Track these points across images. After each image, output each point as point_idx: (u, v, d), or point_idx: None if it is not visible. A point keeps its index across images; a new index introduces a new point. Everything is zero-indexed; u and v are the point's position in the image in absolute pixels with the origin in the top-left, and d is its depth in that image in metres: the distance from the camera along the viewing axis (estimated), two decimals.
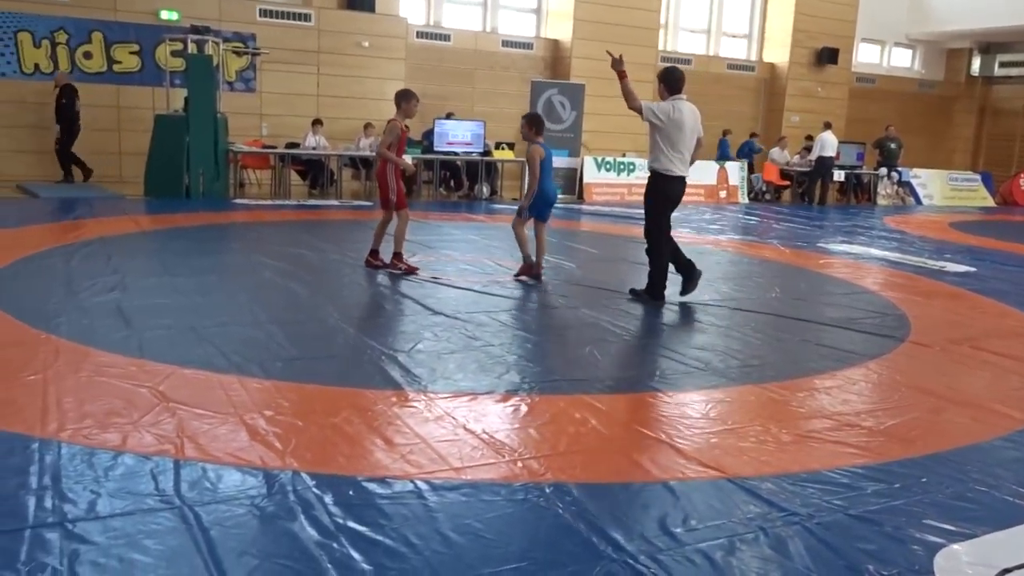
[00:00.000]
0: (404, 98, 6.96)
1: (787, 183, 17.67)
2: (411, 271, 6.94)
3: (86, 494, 2.76)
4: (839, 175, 17.50)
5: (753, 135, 18.47)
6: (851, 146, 17.95)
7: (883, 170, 18.11)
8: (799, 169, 17.46)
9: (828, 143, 16.51)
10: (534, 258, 7.04)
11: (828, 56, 19.33)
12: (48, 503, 2.68)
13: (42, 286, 5.78)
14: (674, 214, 6.63)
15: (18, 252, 6.90)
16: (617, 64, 6.31)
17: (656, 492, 3.03)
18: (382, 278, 6.76)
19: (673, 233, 6.63)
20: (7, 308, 5.08)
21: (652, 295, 6.38)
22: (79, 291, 5.67)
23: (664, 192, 6.35)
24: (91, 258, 6.87)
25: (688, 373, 4.56)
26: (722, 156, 17.46)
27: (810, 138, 18.10)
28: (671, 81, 6.32)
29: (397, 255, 7.01)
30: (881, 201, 18.04)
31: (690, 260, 6.58)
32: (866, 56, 21.64)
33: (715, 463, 3.30)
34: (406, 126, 7.03)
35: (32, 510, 2.63)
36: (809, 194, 17.01)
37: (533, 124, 6.92)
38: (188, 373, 4.04)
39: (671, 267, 6.50)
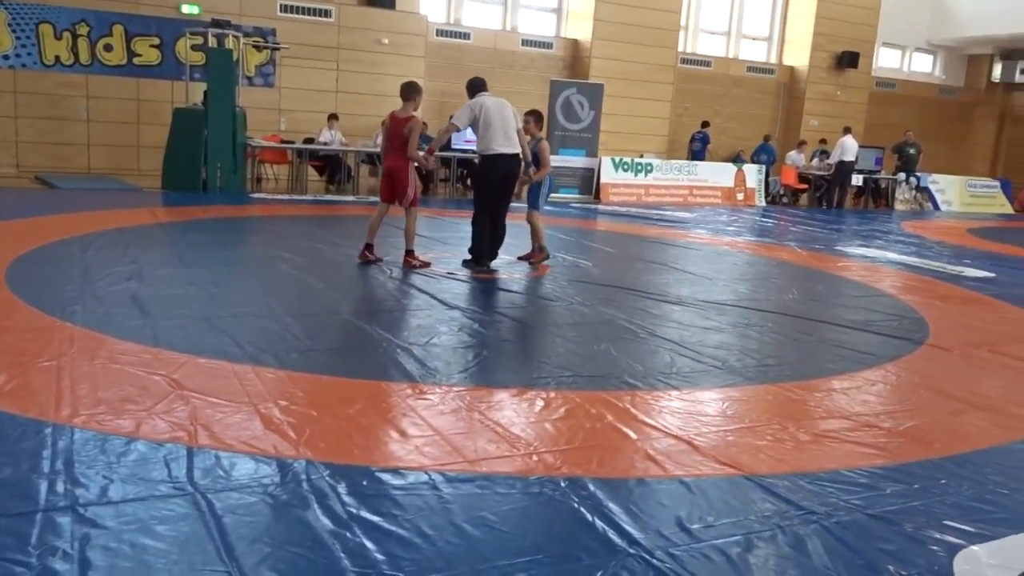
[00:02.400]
0: (417, 91, 6.97)
1: (805, 187, 17.55)
2: (425, 266, 6.93)
3: (98, 479, 2.75)
4: (857, 179, 17.37)
5: (767, 138, 18.36)
6: (870, 151, 17.81)
7: (901, 175, 17.97)
8: (817, 173, 17.35)
9: (849, 147, 16.39)
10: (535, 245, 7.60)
11: (848, 60, 19.18)
12: (60, 487, 2.68)
13: (59, 274, 5.80)
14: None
15: (36, 241, 6.93)
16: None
17: (672, 488, 3.00)
18: (397, 273, 6.75)
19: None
20: (24, 295, 5.10)
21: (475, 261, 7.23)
22: (95, 280, 5.69)
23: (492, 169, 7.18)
24: (108, 248, 6.89)
25: (705, 371, 4.52)
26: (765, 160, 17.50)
27: (824, 142, 17.99)
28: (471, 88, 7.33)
29: (410, 252, 6.99)
30: (899, 206, 17.90)
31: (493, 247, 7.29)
32: (887, 61, 21.47)
33: (732, 460, 3.26)
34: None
35: (44, 494, 2.63)
36: (828, 198, 16.90)
37: (540, 120, 7.58)
38: (203, 362, 4.04)
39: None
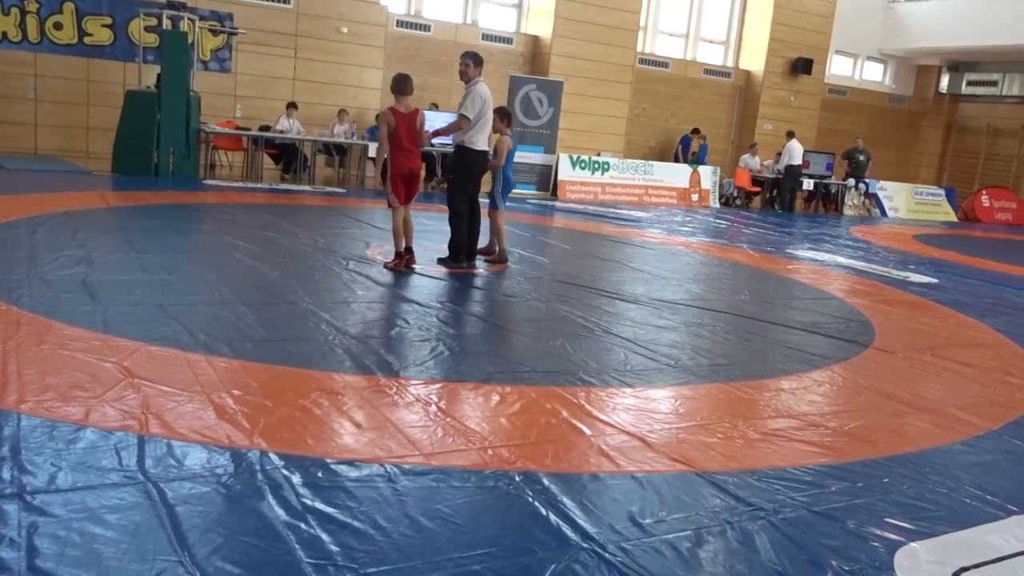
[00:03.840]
0: (412, 83, 6.67)
1: (758, 189, 17.85)
2: (408, 267, 6.74)
3: (47, 466, 2.70)
4: (808, 184, 17.72)
5: (695, 131, 18.44)
6: (821, 156, 18.19)
7: (851, 181, 18.36)
8: (769, 176, 17.65)
9: (795, 151, 16.74)
10: (496, 245, 7.56)
11: (803, 66, 19.53)
12: (6, 474, 2.62)
13: (4, 257, 5.65)
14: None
15: None
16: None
17: (625, 484, 3.04)
18: (354, 265, 6.71)
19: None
20: None
21: (454, 258, 7.15)
22: (43, 264, 5.56)
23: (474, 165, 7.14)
24: (56, 232, 6.74)
25: (659, 369, 4.58)
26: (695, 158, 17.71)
27: (754, 146, 18.21)
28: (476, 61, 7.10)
29: (399, 253, 6.76)
30: (848, 211, 18.29)
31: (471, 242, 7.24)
32: (839, 68, 21.90)
33: (683, 457, 3.32)
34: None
35: None
36: (782, 202, 17.19)
37: (505, 117, 7.45)
38: (154, 350, 3.98)
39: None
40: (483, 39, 16.56)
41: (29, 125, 12.66)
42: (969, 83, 22.68)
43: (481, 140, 7.03)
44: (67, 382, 3.44)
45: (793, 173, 16.85)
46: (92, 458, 2.80)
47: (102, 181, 10.56)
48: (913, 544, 2.78)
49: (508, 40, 16.93)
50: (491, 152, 7.25)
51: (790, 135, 17.00)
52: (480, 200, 7.30)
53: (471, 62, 7.00)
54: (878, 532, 2.84)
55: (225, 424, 3.19)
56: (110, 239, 6.80)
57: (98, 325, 4.28)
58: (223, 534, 2.40)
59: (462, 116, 6.91)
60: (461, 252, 7.14)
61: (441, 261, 7.13)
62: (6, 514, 2.39)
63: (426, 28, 16.00)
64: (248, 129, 13.18)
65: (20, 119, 12.56)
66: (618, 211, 13.74)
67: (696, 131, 18.11)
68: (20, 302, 4.57)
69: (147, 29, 12.51)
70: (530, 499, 2.82)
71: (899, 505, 3.07)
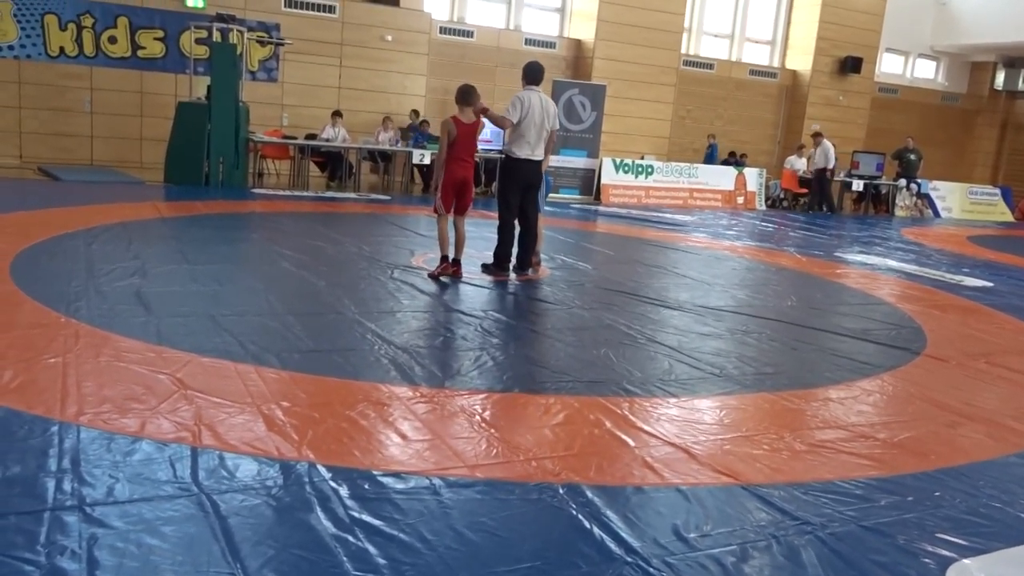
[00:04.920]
0: (477, 94, 6.71)
1: (805, 191, 17.59)
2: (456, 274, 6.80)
3: (105, 478, 2.79)
4: (857, 184, 17.42)
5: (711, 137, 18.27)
6: (871, 156, 17.86)
7: (902, 181, 18.01)
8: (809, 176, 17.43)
9: (829, 153, 16.51)
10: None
11: (851, 65, 19.23)
12: (67, 486, 2.72)
13: (63, 269, 5.83)
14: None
15: (40, 234, 6.97)
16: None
17: (669, 496, 3.04)
18: (399, 274, 6.78)
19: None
20: (28, 290, 5.13)
21: (497, 265, 7.15)
22: (99, 275, 5.72)
23: (514, 172, 7.08)
24: (111, 243, 6.93)
25: (703, 378, 4.56)
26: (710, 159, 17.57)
27: (802, 147, 17.92)
28: (530, 73, 7.04)
29: (445, 259, 6.80)
30: (899, 212, 17.94)
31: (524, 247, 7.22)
32: (890, 66, 21.52)
33: (728, 469, 3.31)
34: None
35: (52, 492, 2.67)
36: (826, 202, 16.91)
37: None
38: (206, 361, 4.07)
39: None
40: (526, 44, 16.63)
41: (85, 137, 13.04)
42: None
43: (521, 148, 6.94)
44: (123, 394, 3.55)
45: (823, 177, 16.58)
46: (148, 470, 2.88)
47: (154, 191, 10.83)
48: (965, 561, 2.73)
49: (551, 44, 16.96)
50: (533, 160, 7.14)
51: (817, 137, 16.69)
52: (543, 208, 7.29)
53: (523, 78, 7.08)
54: (929, 548, 2.79)
55: (275, 436, 3.26)
56: (163, 250, 6.97)
57: (152, 337, 4.40)
58: (274, 547, 2.45)
59: (503, 118, 6.92)
60: (505, 261, 7.12)
61: (484, 267, 7.14)
62: (67, 525, 2.47)
63: (469, 34, 16.11)
64: (294, 138, 13.40)
65: (77, 131, 12.95)
66: (662, 215, 13.67)
67: (711, 136, 18.02)
68: (78, 314, 4.72)
69: (198, 41, 12.79)
70: (574, 512, 2.83)
71: (951, 520, 3.02)
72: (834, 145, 16.73)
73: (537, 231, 7.26)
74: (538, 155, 7.03)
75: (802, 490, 3.17)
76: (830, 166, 16.49)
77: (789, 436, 3.75)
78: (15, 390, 3.50)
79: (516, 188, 7.06)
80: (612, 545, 2.63)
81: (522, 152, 6.97)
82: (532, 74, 7.01)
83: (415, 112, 14.74)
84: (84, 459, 2.91)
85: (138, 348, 4.19)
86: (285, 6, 14.04)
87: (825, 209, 17.02)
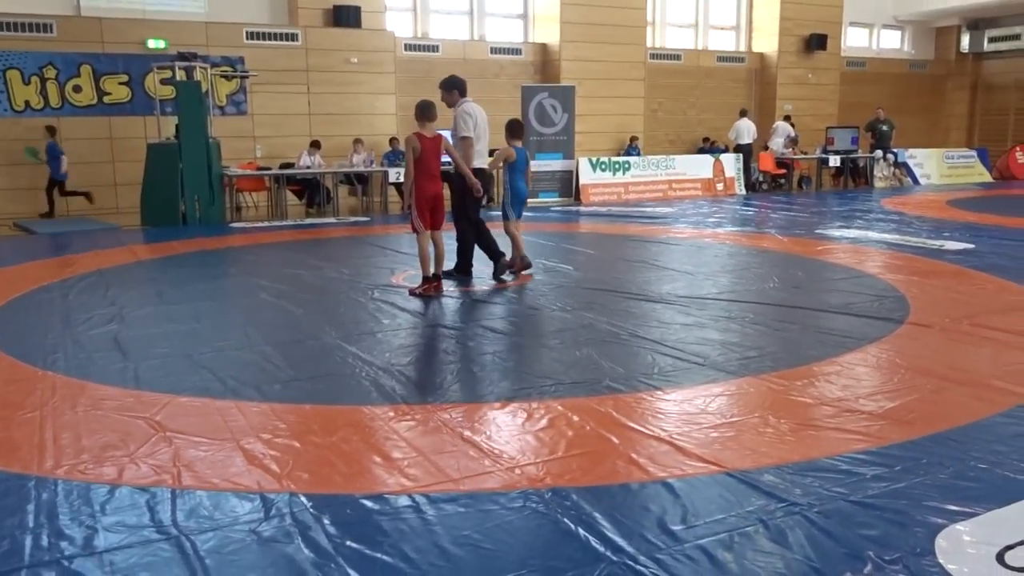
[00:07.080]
0: (435, 110, 6.77)
1: (783, 171, 17.63)
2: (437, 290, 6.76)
3: (82, 530, 2.75)
4: (835, 160, 17.47)
5: (787, 118, 18.46)
6: (844, 131, 17.91)
7: (878, 152, 18.07)
8: (790, 157, 17.46)
9: (743, 130, 17.06)
10: (516, 255, 7.54)
11: (817, 42, 19.28)
12: (44, 541, 2.68)
13: (40, 322, 5.79)
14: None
15: (16, 289, 6.93)
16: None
17: (655, 491, 3.02)
18: (379, 293, 6.75)
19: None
20: (4, 347, 5.09)
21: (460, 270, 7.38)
22: (76, 325, 5.68)
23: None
24: (88, 291, 6.89)
25: (687, 369, 4.54)
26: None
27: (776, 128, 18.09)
28: (461, 85, 7.24)
29: (427, 278, 6.75)
30: (878, 184, 17.99)
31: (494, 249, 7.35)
32: (855, 40, 21.58)
33: (714, 458, 3.28)
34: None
35: (29, 549, 2.63)
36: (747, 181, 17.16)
37: (514, 131, 7.47)
38: (184, 401, 4.04)
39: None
40: (492, 52, 16.63)
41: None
42: (991, 39, 22.19)
43: (475, 159, 7.09)
44: (100, 443, 3.51)
45: (743, 152, 17.00)
46: (127, 516, 2.85)
47: (131, 236, 10.78)
48: (955, 526, 2.72)
49: (517, 51, 16.97)
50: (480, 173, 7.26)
51: (742, 113, 17.31)
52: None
53: (444, 90, 7.20)
54: (918, 517, 2.78)
55: (255, 469, 3.23)
56: (140, 293, 6.93)
57: (130, 381, 4.37)
58: None
59: (463, 138, 7.04)
60: (503, 255, 7.33)
61: (495, 276, 7.29)
62: None
63: (435, 48, 16.10)
64: (269, 168, 13.36)
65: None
66: (643, 209, 13.67)
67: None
68: (55, 366, 4.68)
69: (162, 82, 12.76)
70: (559, 515, 2.81)
71: (939, 486, 3.01)
72: (793, 125, 17.62)
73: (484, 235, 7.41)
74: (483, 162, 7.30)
75: (789, 471, 3.15)
76: (748, 141, 17.10)
77: (775, 418, 3.74)
78: None
79: (469, 199, 7.20)
80: (598, 545, 2.61)
81: (477, 163, 7.15)
82: (462, 85, 7.22)
83: (394, 139, 14.70)
84: (61, 512, 2.88)
85: (115, 395, 4.15)
86: (247, 39, 14.02)
87: (803, 187, 17.08)
